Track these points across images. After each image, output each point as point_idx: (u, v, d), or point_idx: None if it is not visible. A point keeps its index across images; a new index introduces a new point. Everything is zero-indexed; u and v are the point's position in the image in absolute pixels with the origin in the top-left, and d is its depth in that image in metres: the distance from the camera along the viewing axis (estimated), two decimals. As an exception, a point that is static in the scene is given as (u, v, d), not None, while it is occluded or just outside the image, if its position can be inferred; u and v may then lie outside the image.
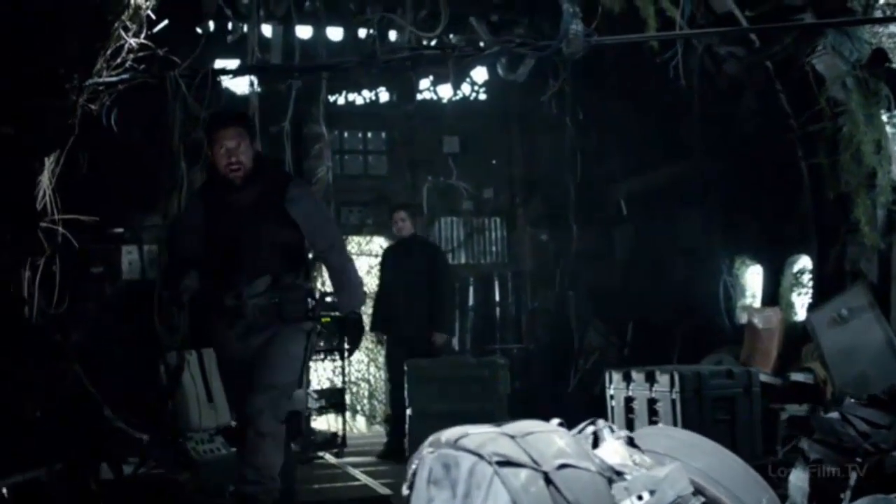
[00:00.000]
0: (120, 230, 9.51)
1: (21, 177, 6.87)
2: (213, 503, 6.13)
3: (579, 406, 10.09)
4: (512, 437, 3.40)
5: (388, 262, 9.04)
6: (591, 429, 3.61)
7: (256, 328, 5.23)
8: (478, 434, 3.38)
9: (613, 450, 3.48)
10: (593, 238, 11.48)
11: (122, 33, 7.20)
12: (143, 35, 7.30)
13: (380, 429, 10.28)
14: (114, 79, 7.22)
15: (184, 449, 6.63)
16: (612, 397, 8.16)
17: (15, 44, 6.16)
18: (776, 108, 8.51)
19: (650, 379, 7.62)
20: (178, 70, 7.19)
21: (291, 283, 5.32)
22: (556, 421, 3.80)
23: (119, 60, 7.31)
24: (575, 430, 3.72)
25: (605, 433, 3.54)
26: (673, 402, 7.32)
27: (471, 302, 10.91)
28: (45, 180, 7.31)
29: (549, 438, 3.44)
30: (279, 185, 5.38)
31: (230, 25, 10.41)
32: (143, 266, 10.16)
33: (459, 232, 11.11)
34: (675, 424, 7.28)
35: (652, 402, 7.60)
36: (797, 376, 7.60)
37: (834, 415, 4.93)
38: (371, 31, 9.46)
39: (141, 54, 7.34)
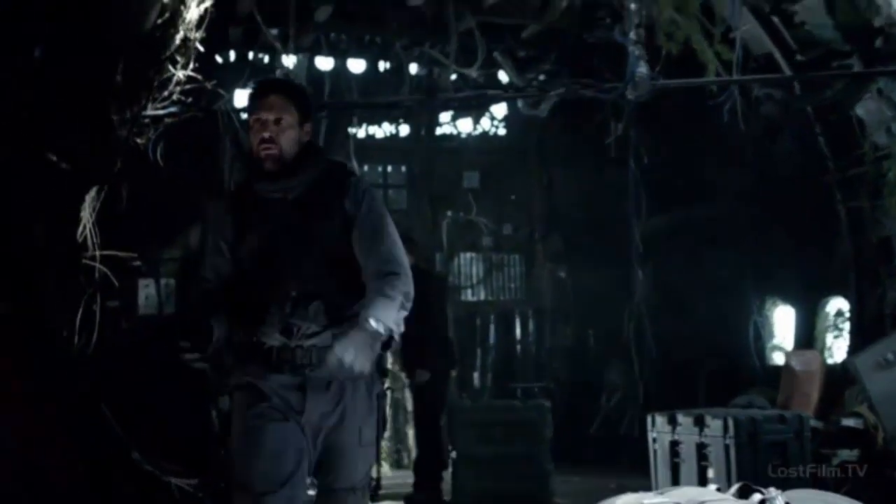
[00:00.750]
0: (137, 263, 9.23)
1: (67, 210, 6.67)
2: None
3: (606, 446, 10.04)
4: (690, 510, 3.31)
5: None
6: (758, 497, 3.51)
7: (315, 385, 3.64)
8: None
9: (786, 520, 3.38)
10: (613, 276, 11.45)
11: (171, 66, 7.09)
12: (190, 67, 7.19)
13: (402, 472, 10.05)
14: (161, 112, 7.07)
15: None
16: (654, 440, 8.07)
17: (64, 77, 5.98)
18: (813, 150, 8.57)
19: (700, 423, 7.55)
20: (225, 103, 7.10)
21: (355, 317, 3.58)
22: (713, 487, 3.70)
23: (166, 93, 7.18)
24: (731, 491, 3.63)
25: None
26: (726, 447, 7.27)
27: (491, 339, 10.79)
28: (87, 214, 7.12)
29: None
30: (336, 179, 3.85)
31: (250, 55, 10.31)
32: (161, 301, 9.89)
33: (479, 268, 11.00)
34: (728, 471, 7.22)
35: (701, 447, 7.53)
36: (847, 421, 7.56)
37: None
38: (401, 64, 9.30)
39: (188, 86, 7.23)
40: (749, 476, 7.13)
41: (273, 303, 3.69)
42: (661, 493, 3.50)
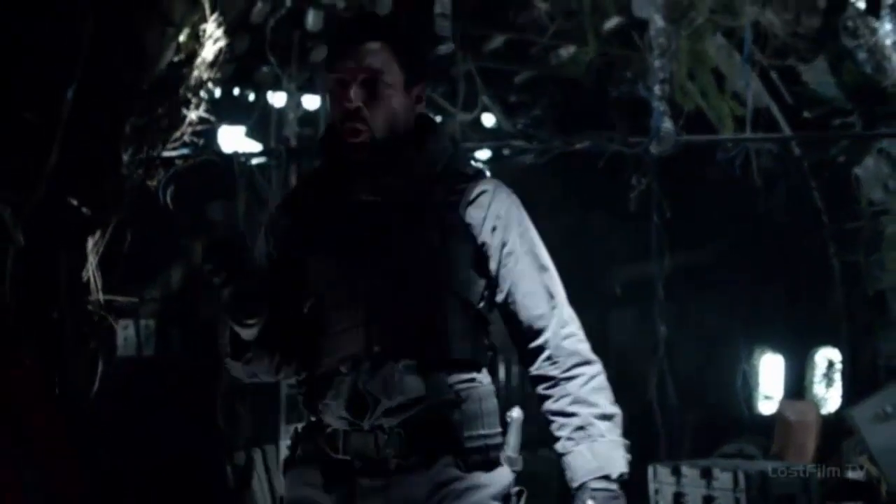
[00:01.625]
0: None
1: (79, 255, 6.43)
2: None
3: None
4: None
5: None
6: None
7: (395, 487, 2.31)
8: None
9: None
10: (593, 321, 11.46)
11: (184, 107, 6.92)
12: (202, 108, 7.04)
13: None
14: (174, 154, 6.89)
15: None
16: (657, 492, 8.08)
17: (75, 114, 5.78)
18: (808, 203, 8.74)
19: (707, 475, 7.58)
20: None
21: (465, 382, 2.39)
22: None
23: (178, 133, 7.00)
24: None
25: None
26: (737, 500, 7.30)
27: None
28: (91, 257, 6.88)
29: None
30: (453, 177, 2.51)
31: (236, 91, 10.12)
32: (140, 343, 9.58)
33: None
34: (738, 524, 7.28)
35: (708, 500, 7.56)
36: (852, 474, 7.65)
37: None
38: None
39: (199, 128, 7.06)
40: (759, 529, 7.21)
41: (342, 361, 2.34)
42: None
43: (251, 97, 10.12)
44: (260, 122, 9.46)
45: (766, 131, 7.82)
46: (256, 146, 9.80)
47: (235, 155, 6.71)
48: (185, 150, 6.80)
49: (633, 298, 11.48)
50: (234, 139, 9.82)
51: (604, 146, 6.55)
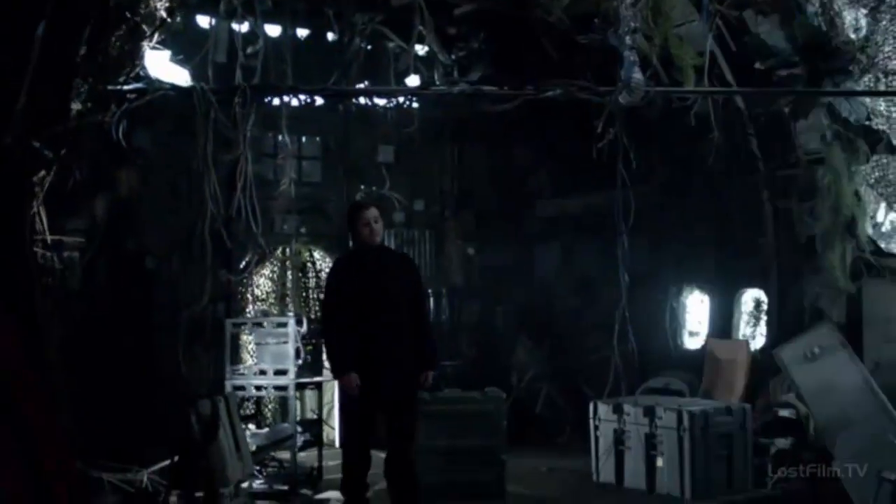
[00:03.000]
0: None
1: (20, 190, 6.04)
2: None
3: (522, 425, 10.22)
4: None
5: (355, 278, 6.51)
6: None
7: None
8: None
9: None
10: (517, 254, 11.65)
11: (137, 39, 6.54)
12: (156, 39, 6.65)
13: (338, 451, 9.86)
14: (128, 87, 6.50)
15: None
16: (597, 428, 8.32)
17: (16, 43, 5.37)
18: (744, 149, 8.97)
19: (650, 414, 7.85)
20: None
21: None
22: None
23: (131, 69, 6.61)
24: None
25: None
26: (680, 438, 7.60)
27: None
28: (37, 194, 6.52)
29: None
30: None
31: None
32: (64, 276, 9.12)
33: (391, 244, 10.81)
34: (681, 462, 7.58)
35: (651, 437, 7.84)
36: (783, 412, 8.06)
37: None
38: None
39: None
40: (701, 465, 7.54)
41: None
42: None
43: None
44: (189, 46, 9.06)
45: (715, 80, 7.93)
46: (182, 73, 9.40)
47: (195, 90, 6.34)
48: (140, 86, 6.42)
49: (554, 234, 11.67)
50: (159, 64, 9.40)
51: (574, 95, 6.52)
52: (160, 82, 6.64)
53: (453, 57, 10.47)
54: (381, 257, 6.50)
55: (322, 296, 10.86)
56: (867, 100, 7.92)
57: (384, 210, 6.63)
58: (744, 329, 9.58)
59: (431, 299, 10.88)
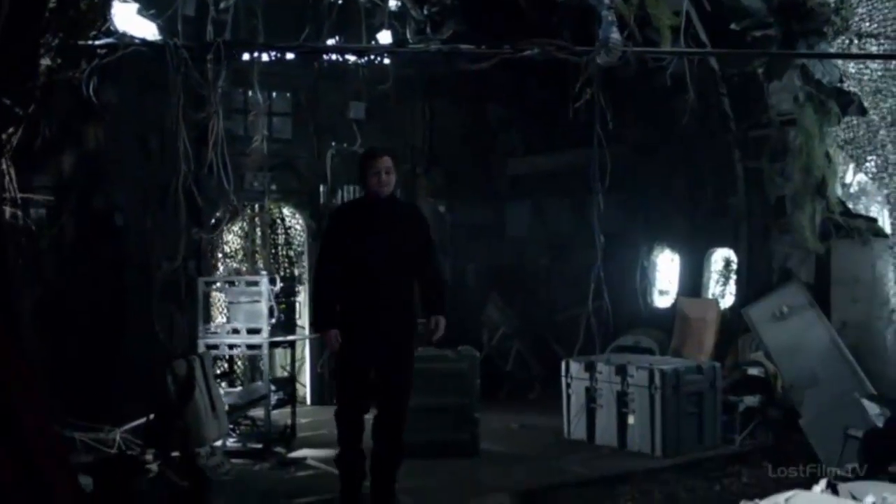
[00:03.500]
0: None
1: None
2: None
3: (493, 383, 10.28)
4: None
5: (359, 230, 6.04)
6: (870, 499, 3.78)
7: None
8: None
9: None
10: (489, 212, 11.66)
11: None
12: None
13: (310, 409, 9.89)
14: (99, 42, 6.36)
15: (198, 468, 6.05)
16: (569, 386, 8.40)
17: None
18: (717, 109, 9.00)
19: (622, 372, 7.93)
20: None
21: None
22: (818, 489, 3.94)
23: (102, 24, 6.46)
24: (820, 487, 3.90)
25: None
26: (651, 397, 7.69)
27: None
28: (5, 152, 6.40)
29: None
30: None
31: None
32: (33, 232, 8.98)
33: (361, 200, 10.76)
34: (651, 419, 7.68)
35: (622, 395, 7.93)
36: (752, 370, 8.18)
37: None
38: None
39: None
40: (672, 422, 7.64)
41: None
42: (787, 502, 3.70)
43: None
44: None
45: (690, 41, 7.92)
46: (150, 27, 9.20)
47: (167, 46, 6.21)
48: (111, 40, 6.28)
49: (526, 193, 11.68)
50: (127, 18, 9.19)
51: (551, 54, 6.47)
52: (131, 38, 6.49)
53: (426, 12, 10.35)
54: (388, 209, 6.10)
55: (291, 252, 11.00)
56: (840, 62, 7.95)
57: (397, 161, 6.16)
58: (713, 288, 9.69)
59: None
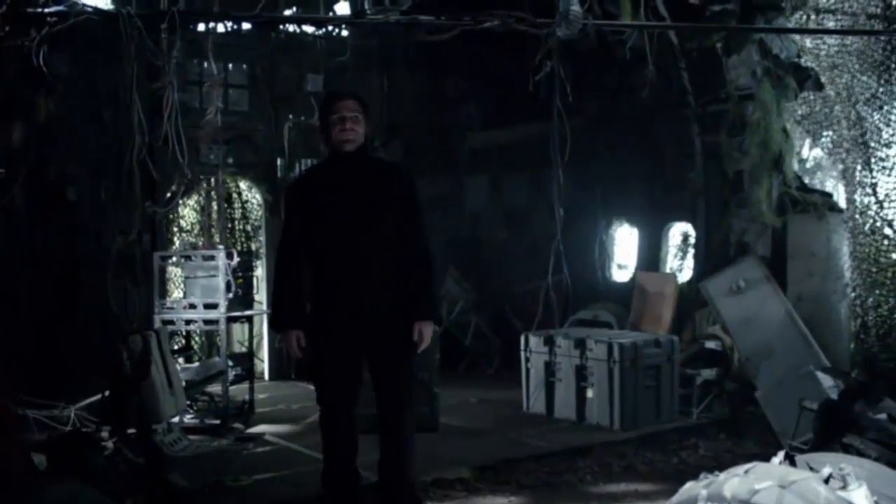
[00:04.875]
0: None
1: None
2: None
3: (452, 357, 10.27)
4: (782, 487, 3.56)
5: (320, 197, 4.93)
6: (827, 470, 3.81)
7: None
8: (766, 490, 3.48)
9: (863, 496, 3.71)
10: (447, 185, 11.62)
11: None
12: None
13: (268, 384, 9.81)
14: (49, 10, 6.19)
15: (154, 444, 5.97)
16: (528, 360, 8.42)
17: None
18: (676, 82, 9.01)
19: (581, 346, 7.96)
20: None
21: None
22: (776, 460, 3.97)
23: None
24: (777, 460, 3.93)
25: (851, 478, 3.75)
26: (610, 370, 7.73)
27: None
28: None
29: (814, 489, 3.62)
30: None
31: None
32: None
33: (318, 174, 10.66)
34: (610, 393, 7.72)
35: (581, 369, 7.96)
36: (709, 344, 8.25)
37: (881, 416, 5.49)
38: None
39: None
40: (630, 396, 7.69)
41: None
42: (746, 474, 3.72)
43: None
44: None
45: (650, 13, 7.91)
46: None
47: (120, 15, 6.05)
48: (60, 8, 6.11)
49: (484, 166, 11.67)
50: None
51: (511, 26, 6.42)
52: (83, 6, 6.32)
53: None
54: (357, 166, 4.86)
55: (248, 227, 10.87)
56: (797, 37, 8.00)
57: (367, 107, 4.91)
58: (671, 262, 9.75)
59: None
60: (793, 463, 3.96)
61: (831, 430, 5.94)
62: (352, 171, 4.86)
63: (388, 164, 5.53)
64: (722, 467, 3.87)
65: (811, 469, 3.93)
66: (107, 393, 6.03)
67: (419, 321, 4.82)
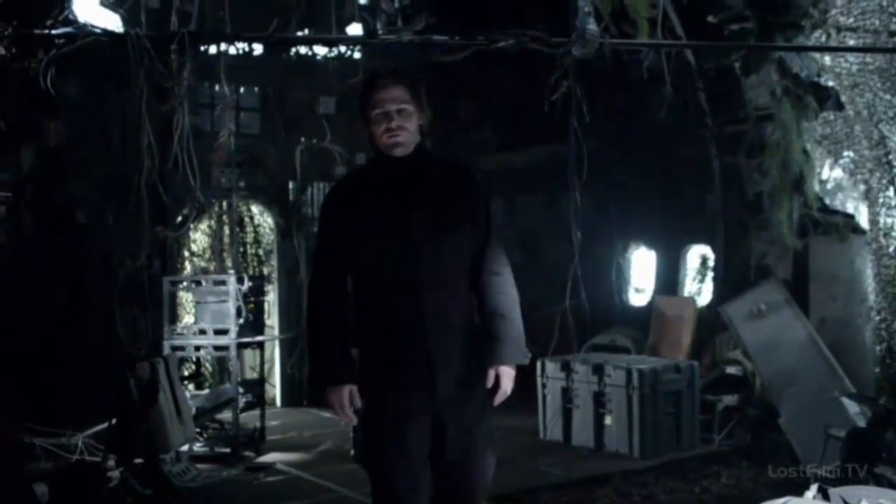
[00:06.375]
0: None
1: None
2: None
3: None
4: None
5: (366, 211, 3.68)
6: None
7: None
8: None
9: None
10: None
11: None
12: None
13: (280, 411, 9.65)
14: (56, 32, 6.09)
15: (162, 475, 5.82)
16: (545, 386, 8.24)
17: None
18: (693, 103, 8.87)
19: (599, 372, 7.78)
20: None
21: None
22: (814, 488, 3.79)
23: (59, 12, 6.20)
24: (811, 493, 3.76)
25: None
26: (629, 397, 7.54)
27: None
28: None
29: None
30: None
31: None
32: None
33: (332, 199, 10.53)
34: (629, 419, 7.53)
35: (599, 396, 7.77)
36: (730, 369, 8.06)
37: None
38: None
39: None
40: (650, 423, 7.49)
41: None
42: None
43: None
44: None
45: (666, 33, 7.78)
46: (114, 18, 8.93)
47: (129, 36, 5.96)
48: (69, 30, 6.02)
49: (497, 189, 11.52)
50: (88, 8, 8.92)
51: (526, 45, 6.30)
52: (91, 27, 6.22)
53: (397, 5, 10.15)
54: (413, 174, 3.66)
55: (260, 251, 10.74)
56: (818, 56, 7.85)
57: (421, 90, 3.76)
58: (690, 286, 9.57)
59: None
60: (826, 497, 3.79)
61: (861, 459, 5.75)
62: (406, 178, 3.63)
63: (453, 166, 3.89)
64: (745, 496, 3.71)
65: (846, 503, 3.76)
66: (113, 421, 5.88)
67: (497, 364, 3.62)
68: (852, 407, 6.90)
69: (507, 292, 3.81)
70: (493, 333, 3.67)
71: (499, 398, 3.67)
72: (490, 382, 3.62)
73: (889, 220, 8.04)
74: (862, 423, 6.54)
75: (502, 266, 3.85)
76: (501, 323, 3.70)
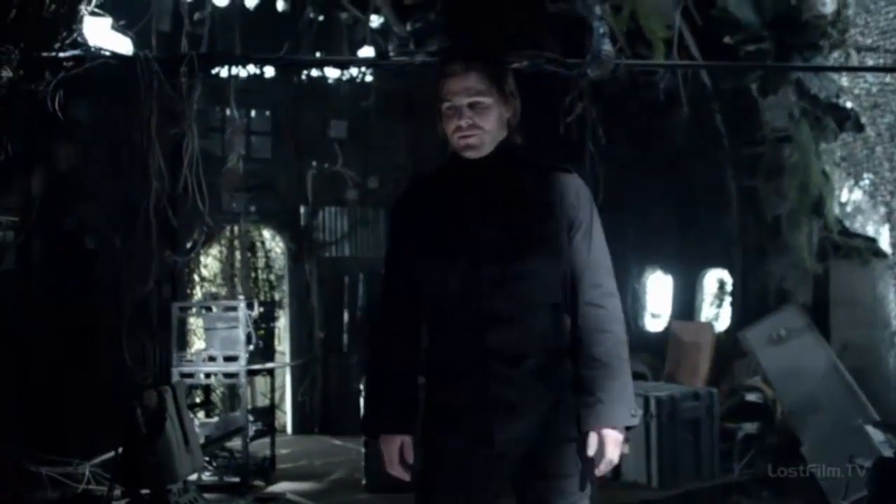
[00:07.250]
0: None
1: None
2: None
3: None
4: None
5: (438, 222, 3.02)
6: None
7: None
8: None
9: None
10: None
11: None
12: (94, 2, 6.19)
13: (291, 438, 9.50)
14: (65, 54, 6.03)
15: (170, 505, 5.68)
16: (563, 414, 8.06)
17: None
18: (709, 126, 8.75)
19: (616, 400, 7.59)
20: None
21: None
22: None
23: (67, 35, 6.14)
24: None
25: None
26: (647, 424, 7.37)
27: (360, 300, 10.28)
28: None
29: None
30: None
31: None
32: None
33: (344, 223, 10.42)
34: (647, 447, 7.36)
35: (616, 424, 7.59)
36: (750, 396, 7.89)
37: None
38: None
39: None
40: (668, 451, 7.32)
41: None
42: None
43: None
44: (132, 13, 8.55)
45: (682, 54, 7.68)
46: (125, 41, 8.88)
47: (138, 59, 5.89)
48: (77, 52, 5.95)
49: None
50: (99, 32, 8.86)
51: (541, 67, 6.21)
52: (100, 49, 6.16)
53: (409, 28, 10.09)
54: (495, 180, 3.01)
55: (272, 276, 10.63)
56: (836, 76, 7.73)
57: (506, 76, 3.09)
58: (707, 311, 9.41)
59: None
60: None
61: (887, 490, 5.57)
62: (481, 185, 3.00)
63: (547, 169, 3.09)
64: (766, 527, 3.57)
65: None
66: (120, 450, 5.75)
67: (598, 426, 2.91)
68: (877, 435, 6.72)
69: (610, 330, 2.98)
70: (589, 386, 2.91)
71: (604, 468, 2.95)
72: (591, 450, 2.89)
73: (911, 244, 7.90)
74: (888, 453, 6.36)
75: (604, 296, 3.02)
76: (601, 371, 2.91)
